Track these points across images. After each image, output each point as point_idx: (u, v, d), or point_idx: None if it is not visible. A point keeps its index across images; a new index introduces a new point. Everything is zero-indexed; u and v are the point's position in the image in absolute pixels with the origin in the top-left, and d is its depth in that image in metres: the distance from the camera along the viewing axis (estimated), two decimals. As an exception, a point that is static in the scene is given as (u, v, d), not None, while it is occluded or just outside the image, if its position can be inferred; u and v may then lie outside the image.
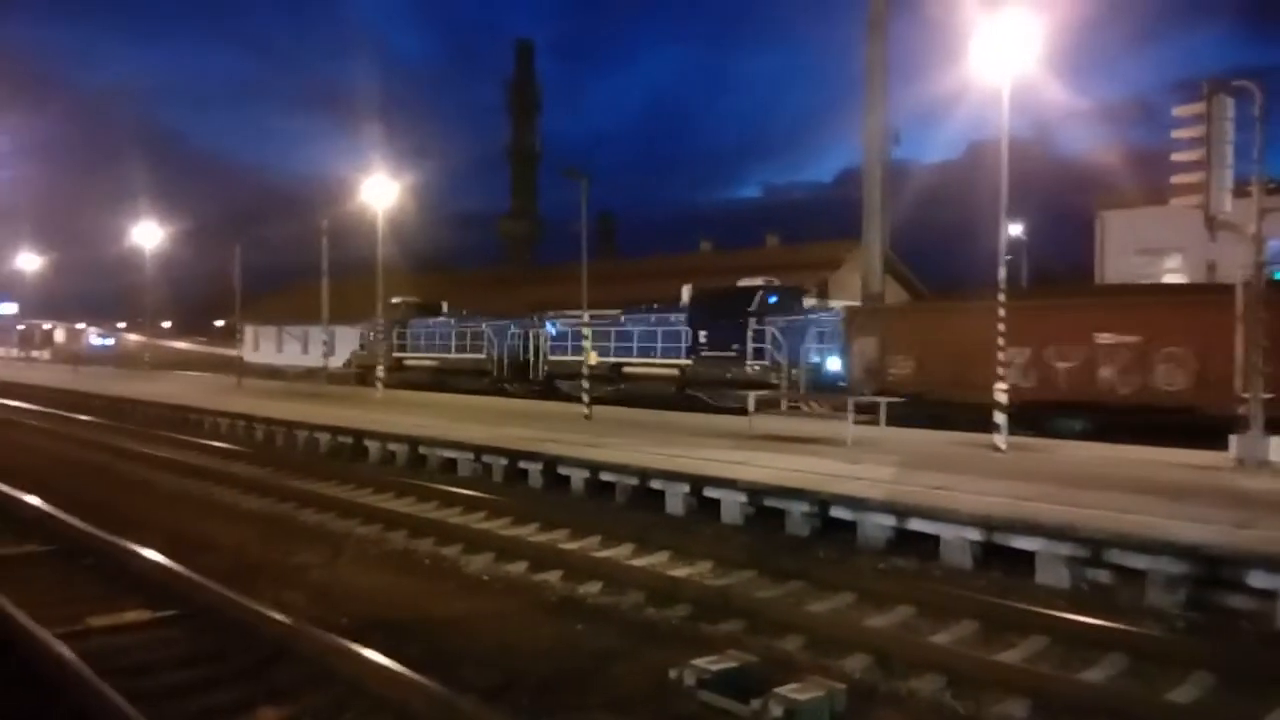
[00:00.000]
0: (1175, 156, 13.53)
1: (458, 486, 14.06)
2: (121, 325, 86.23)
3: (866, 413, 16.43)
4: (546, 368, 31.35)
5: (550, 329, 31.72)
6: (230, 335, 55.84)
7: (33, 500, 12.38)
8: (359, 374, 38.06)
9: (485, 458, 15.79)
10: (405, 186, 30.01)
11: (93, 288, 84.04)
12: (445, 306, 36.32)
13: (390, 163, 30.91)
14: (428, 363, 36.18)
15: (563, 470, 14.51)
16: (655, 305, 28.89)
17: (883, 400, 16.31)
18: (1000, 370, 15.13)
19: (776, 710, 5.73)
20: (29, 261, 59.92)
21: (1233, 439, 13.15)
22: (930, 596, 8.50)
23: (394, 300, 37.85)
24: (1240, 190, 13.36)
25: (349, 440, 18.76)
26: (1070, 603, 8.41)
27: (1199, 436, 14.48)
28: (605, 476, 13.84)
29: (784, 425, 17.31)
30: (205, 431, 23.06)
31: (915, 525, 10.19)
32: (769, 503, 11.63)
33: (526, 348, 32.49)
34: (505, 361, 33.09)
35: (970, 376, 17.06)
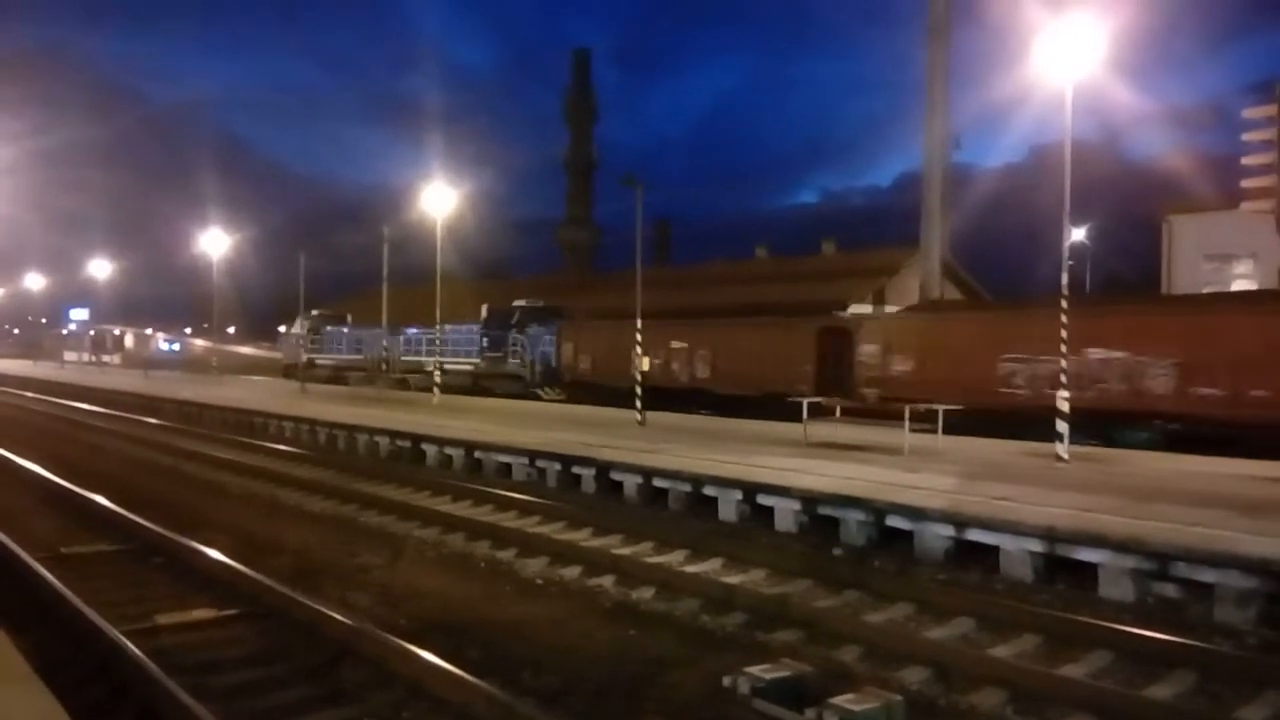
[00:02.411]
0: (1246, 160, 13.21)
1: (513, 491, 14.19)
2: (188, 331, 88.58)
3: (925, 421, 16.21)
4: (400, 367, 39.44)
5: (402, 337, 39.96)
6: (294, 341, 57.26)
7: (104, 501, 12.79)
8: (285, 370, 48.28)
9: (539, 462, 15.91)
10: (464, 194, 30.48)
11: (161, 294, 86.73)
12: (349, 318, 45.22)
13: (450, 171, 31.56)
14: (330, 362, 45.07)
15: (616, 476, 14.56)
16: (467, 320, 37.05)
17: (940, 407, 16.09)
18: (1063, 379, 14.83)
19: (832, 721, 5.68)
20: (101, 268, 61.82)
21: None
22: (991, 609, 8.37)
23: (314, 312, 46.91)
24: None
25: (408, 444, 19.04)
26: (1136, 617, 8.22)
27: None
28: (658, 483, 13.86)
29: (840, 433, 17.17)
30: (270, 435, 23.58)
31: (975, 536, 10.03)
32: (824, 511, 11.54)
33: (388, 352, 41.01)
34: (375, 362, 40.97)
35: (618, 368, 26.54)
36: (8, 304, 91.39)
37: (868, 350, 18.52)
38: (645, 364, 23.09)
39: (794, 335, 24.44)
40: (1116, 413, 17.57)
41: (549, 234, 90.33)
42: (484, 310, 36.48)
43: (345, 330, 45.65)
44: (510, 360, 33.99)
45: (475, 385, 34.90)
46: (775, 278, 42.43)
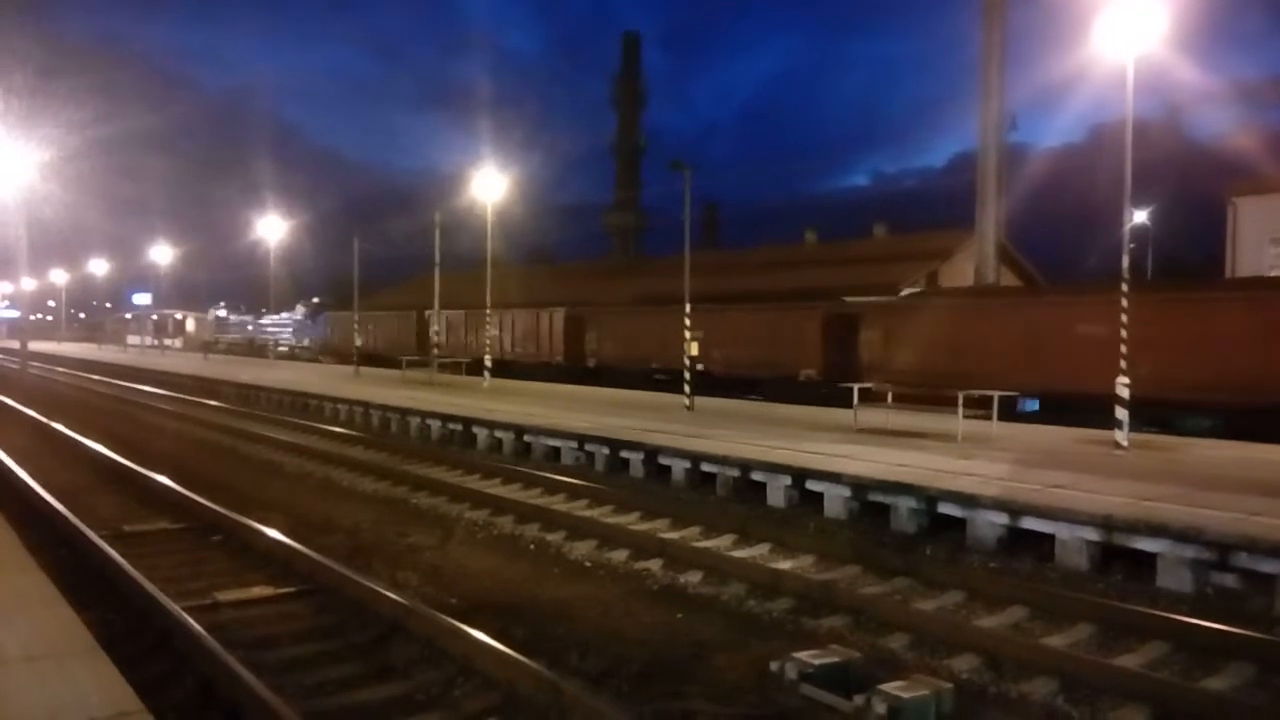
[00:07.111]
0: (1318, 139, 12.70)
1: (561, 474, 14.28)
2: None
3: (980, 408, 15.95)
4: (259, 342, 58.63)
5: (253, 323, 65.33)
6: (346, 324, 59.82)
7: (165, 480, 13.12)
8: (203, 345, 67.93)
9: (588, 446, 15.99)
10: (513, 180, 30.58)
11: (219, 278, 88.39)
12: (242, 308, 75.38)
13: (499, 156, 31.74)
14: (228, 341, 65.30)
15: (664, 460, 14.58)
16: (298, 311, 56.05)
17: (995, 394, 15.84)
18: (1122, 365, 14.51)
19: (880, 707, 5.64)
20: (162, 253, 63.13)
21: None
22: (1044, 597, 8.25)
23: (222, 302, 74.54)
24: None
25: (459, 427, 19.24)
26: (1194, 608, 8.04)
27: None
28: (706, 467, 13.85)
29: (891, 419, 16.99)
30: (325, 417, 23.99)
31: (1029, 524, 9.88)
32: (874, 497, 11.44)
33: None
34: (248, 340, 61.21)
35: (392, 350, 41.56)
36: (72, 289, 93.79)
37: (491, 334, 35.45)
38: (694, 349, 23.06)
39: (474, 321, 37.71)
40: (527, 364, 35.11)
41: (595, 218, 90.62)
42: (299, 306, 55.93)
43: (233, 318, 71.68)
44: (306, 339, 51.79)
45: (293, 355, 53.60)
46: (824, 261, 42.02)
